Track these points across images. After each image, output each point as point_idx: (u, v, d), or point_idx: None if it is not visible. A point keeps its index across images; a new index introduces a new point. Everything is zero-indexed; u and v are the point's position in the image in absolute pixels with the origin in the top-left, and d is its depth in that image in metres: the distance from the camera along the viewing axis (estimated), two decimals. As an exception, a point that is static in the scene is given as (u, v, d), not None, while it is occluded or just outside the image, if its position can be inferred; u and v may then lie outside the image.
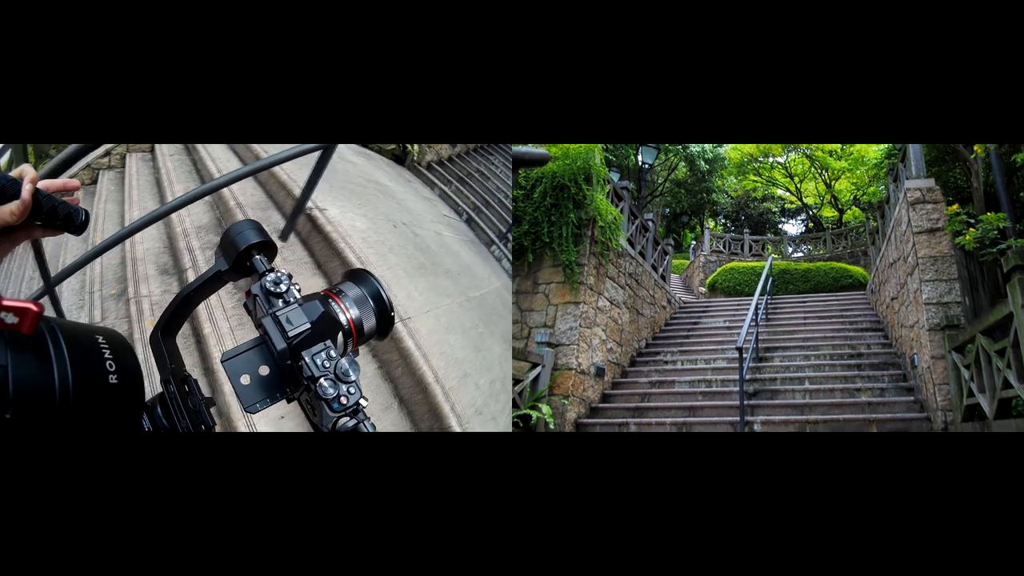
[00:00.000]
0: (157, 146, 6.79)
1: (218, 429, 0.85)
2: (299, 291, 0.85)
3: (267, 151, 5.85)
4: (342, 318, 0.86)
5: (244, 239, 0.85)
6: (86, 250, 2.11)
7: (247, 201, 5.11)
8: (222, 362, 0.80)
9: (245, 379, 0.79)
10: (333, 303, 0.87)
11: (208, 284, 0.87)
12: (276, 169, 5.16)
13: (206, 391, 0.87)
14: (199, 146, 6.43)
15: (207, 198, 4.99)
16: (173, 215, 4.53)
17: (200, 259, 4.27)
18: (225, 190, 4.95)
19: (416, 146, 9.59)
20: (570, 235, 6.60)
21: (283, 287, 0.83)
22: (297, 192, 4.50)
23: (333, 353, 0.81)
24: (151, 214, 1.94)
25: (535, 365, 6.08)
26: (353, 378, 0.80)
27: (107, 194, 6.18)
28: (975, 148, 5.80)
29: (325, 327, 0.82)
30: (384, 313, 0.90)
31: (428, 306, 4.44)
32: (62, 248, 4.67)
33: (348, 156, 7.81)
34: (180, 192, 5.37)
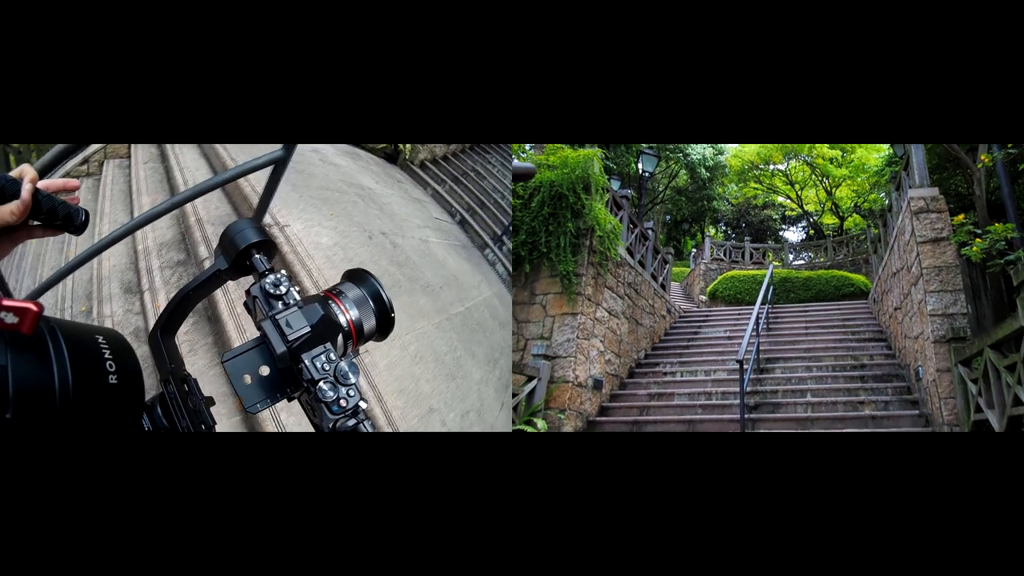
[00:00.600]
0: (132, 152, 6.48)
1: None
2: (299, 292, 0.85)
3: (236, 160, 5.62)
4: (342, 320, 0.86)
5: (244, 238, 0.85)
6: (60, 265, 2.06)
7: (209, 216, 4.86)
8: (223, 362, 0.79)
9: (246, 379, 0.79)
10: (333, 304, 0.87)
11: (207, 283, 0.87)
12: (241, 181, 4.94)
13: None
14: (170, 155, 6.20)
15: (174, 212, 4.77)
16: (138, 231, 4.32)
17: (158, 280, 4.09)
18: (188, 204, 4.68)
19: (408, 144, 9.46)
20: (568, 245, 6.52)
21: (283, 289, 0.83)
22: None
23: (333, 356, 0.81)
24: (119, 230, 1.86)
25: (531, 378, 5.98)
26: (352, 381, 0.80)
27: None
28: (981, 157, 5.76)
29: (325, 330, 0.82)
30: (384, 314, 0.90)
31: (396, 332, 4.22)
32: (40, 260, 4.61)
33: (331, 158, 7.51)
34: (147, 203, 5.21)
